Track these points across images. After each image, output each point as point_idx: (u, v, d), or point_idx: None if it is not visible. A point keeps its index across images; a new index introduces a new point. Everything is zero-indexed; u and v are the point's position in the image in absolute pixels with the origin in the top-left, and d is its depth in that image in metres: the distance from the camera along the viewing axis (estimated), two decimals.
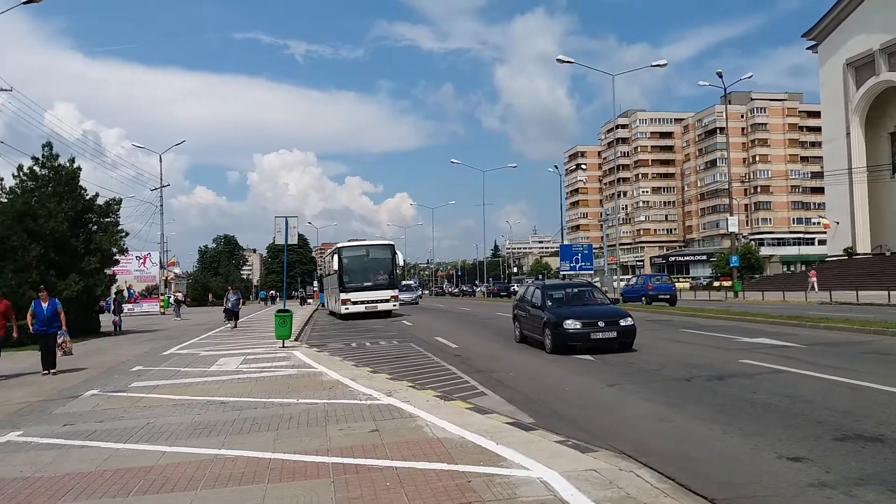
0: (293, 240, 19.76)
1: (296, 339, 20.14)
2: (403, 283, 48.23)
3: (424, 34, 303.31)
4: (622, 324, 14.23)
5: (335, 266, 31.46)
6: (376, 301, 31.23)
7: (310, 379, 11.68)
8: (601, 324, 14.08)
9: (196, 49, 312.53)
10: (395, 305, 32.41)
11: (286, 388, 10.68)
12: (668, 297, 34.66)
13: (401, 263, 34.93)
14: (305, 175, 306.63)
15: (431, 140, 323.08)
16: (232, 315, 27.07)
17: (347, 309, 30.75)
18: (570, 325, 14.01)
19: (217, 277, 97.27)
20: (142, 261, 53.58)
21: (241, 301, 28.40)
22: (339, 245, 33.59)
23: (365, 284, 31.26)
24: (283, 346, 17.37)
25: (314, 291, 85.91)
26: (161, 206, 51.93)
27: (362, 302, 30.91)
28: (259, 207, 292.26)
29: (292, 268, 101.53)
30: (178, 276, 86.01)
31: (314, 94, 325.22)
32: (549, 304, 15.32)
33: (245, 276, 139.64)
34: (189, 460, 6.50)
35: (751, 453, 6.41)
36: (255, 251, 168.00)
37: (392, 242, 34.98)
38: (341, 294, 31.12)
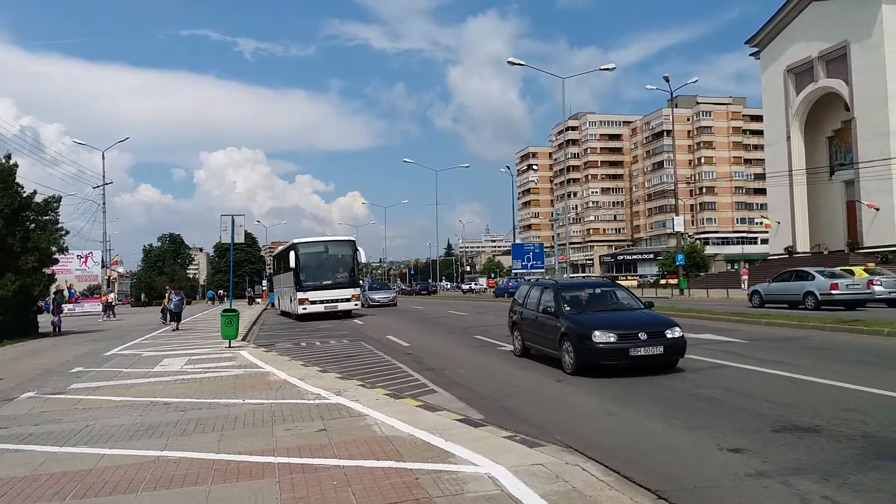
0: (240, 238, 19.42)
1: (243, 339, 19.80)
2: (374, 282, 45.83)
3: (377, 34, 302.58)
4: (669, 336, 10.66)
5: (291, 263, 29.26)
6: (336, 300, 29.36)
7: (257, 379, 11.49)
8: (642, 336, 10.49)
9: (142, 45, 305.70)
10: (356, 305, 30.60)
11: (232, 389, 10.48)
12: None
13: (363, 260, 32.54)
14: (254, 173, 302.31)
15: (384, 139, 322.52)
16: (174, 316, 25.77)
17: (305, 309, 28.78)
18: (601, 337, 10.41)
19: (162, 277, 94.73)
20: (83, 260, 51.99)
21: (184, 301, 27.11)
22: (296, 241, 31.07)
23: (324, 283, 29.39)
24: (230, 347, 17.05)
25: (263, 291, 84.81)
26: (104, 204, 50.28)
27: (321, 301, 29.01)
28: (206, 206, 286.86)
29: (240, 267, 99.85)
30: (121, 276, 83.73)
31: (264, 92, 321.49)
32: (567, 308, 11.79)
33: (192, 276, 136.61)
34: (130, 463, 6.31)
35: (693, 446, 6.56)
36: (201, 250, 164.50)
37: (353, 238, 32.72)
38: (298, 293, 29.04)
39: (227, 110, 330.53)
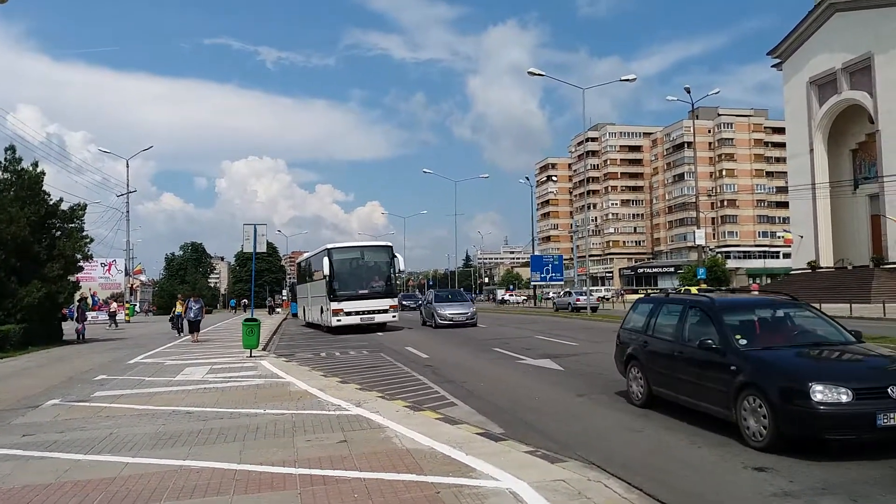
0: (262, 248, 19.56)
1: (263, 349, 19.90)
2: (442, 291, 38.02)
3: (397, 44, 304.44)
4: None
5: (325, 270, 26.39)
6: (373, 312, 26.68)
7: (277, 389, 11.54)
8: (894, 392, 6.44)
9: (165, 54, 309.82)
10: (394, 317, 27.64)
11: (253, 399, 10.53)
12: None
13: (402, 268, 29.22)
14: (275, 182, 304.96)
15: (403, 149, 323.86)
16: (193, 326, 24.27)
17: (340, 321, 26.11)
18: (827, 394, 6.43)
19: (184, 285, 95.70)
20: (107, 268, 52.73)
21: (203, 310, 25.67)
22: (329, 246, 28.12)
23: (360, 292, 26.69)
24: (251, 356, 17.14)
25: (283, 300, 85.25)
26: (127, 212, 50.97)
27: (357, 312, 26.32)
28: (227, 215, 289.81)
29: (261, 276, 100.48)
30: (143, 284, 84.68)
31: (285, 101, 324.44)
32: (742, 342, 7.63)
33: (213, 285, 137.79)
34: (152, 472, 6.36)
35: (717, 464, 6.49)
36: (222, 259, 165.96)
37: (390, 244, 29.85)
38: (332, 303, 26.28)
39: (249, 119, 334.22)
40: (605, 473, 5.97)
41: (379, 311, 26.90)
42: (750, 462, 6.41)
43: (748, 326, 8.13)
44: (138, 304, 70.83)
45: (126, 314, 48.83)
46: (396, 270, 28.37)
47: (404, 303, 47.06)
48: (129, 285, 56.12)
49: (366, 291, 26.92)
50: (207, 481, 5.97)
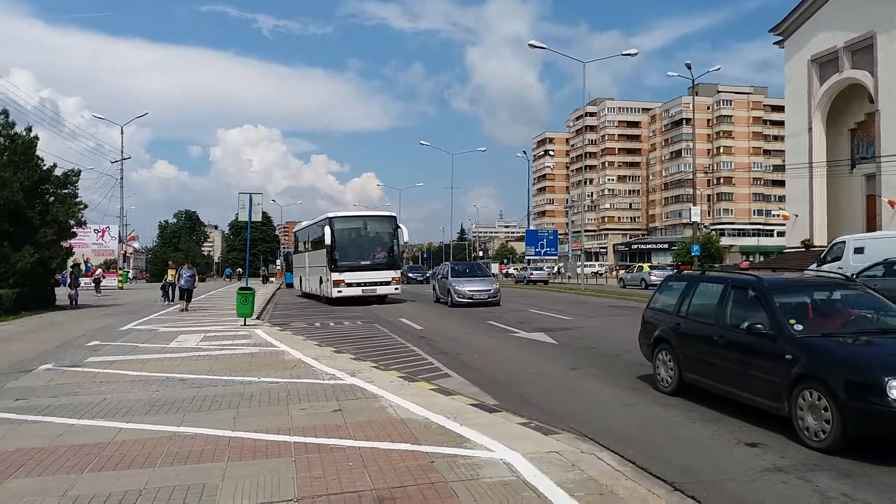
0: (257, 217, 19.46)
1: (258, 318, 19.91)
2: (457, 263, 33.52)
3: (395, 13, 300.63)
4: None
5: (327, 239, 25.59)
6: (375, 283, 25.97)
7: (272, 357, 11.55)
8: None
9: (161, 20, 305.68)
10: (396, 290, 26.83)
11: (247, 367, 10.54)
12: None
13: (405, 239, 28.42)
14: (270, 152, 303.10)
15: (401, 121, 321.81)
16: (184, 294, 23.33)
17: (340, 292, 25.53)
18: None
19: (178, 253, 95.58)
20: (100, 234, 52.53)
21: (196, 278, 24.66)
22: (331, 215, 27.16)
23: (362, 263, 26.02)
24: (245, 325, 17.15)
25: (277, 270, 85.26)
26: (121, 178, 50.64)
27: (358, 284, 25.66)
28: (222, 183, 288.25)
29: (255, 245, 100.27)
30: (136, 251, 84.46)
31: (282, 70, 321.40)
32: (795, 325, 6.77)
33: (206, 253, 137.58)
34: (146, 437, 6.37)
35: (710, 439, 6.52)
36: (216, 228, 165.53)
37: (394, 214, 28.53)
38: (332, 274, 25.62)
39: (246, 88, 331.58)
40: (598, 446, 6.01)
41: (381, 283, 26.16)
42: (743, 437, 6.44)
43: (801, 309, 7.29)
44: (131, 271, 70.77)
45: (119, 281, 48.74)
46: (400, 242, 27.58)
47: (410, 275, 47.16)
48: (123, 252, 55.98)
49: (368, 262, 26.23)
50: (202, 447, 5.98)
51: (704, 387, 7.85)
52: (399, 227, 27.15)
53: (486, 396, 8.47)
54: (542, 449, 5.74)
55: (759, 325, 6.86)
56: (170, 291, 27.15)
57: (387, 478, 5.05)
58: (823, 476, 5.31)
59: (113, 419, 7.14)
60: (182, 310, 22.41)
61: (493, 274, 34.49)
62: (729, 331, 7.47)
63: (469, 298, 24.46)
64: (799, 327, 6.73)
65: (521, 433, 6.34)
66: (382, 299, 26.84)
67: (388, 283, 26.35)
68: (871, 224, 41.59)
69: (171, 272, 27.75)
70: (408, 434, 6.27)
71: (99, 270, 44.00)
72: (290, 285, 43.98)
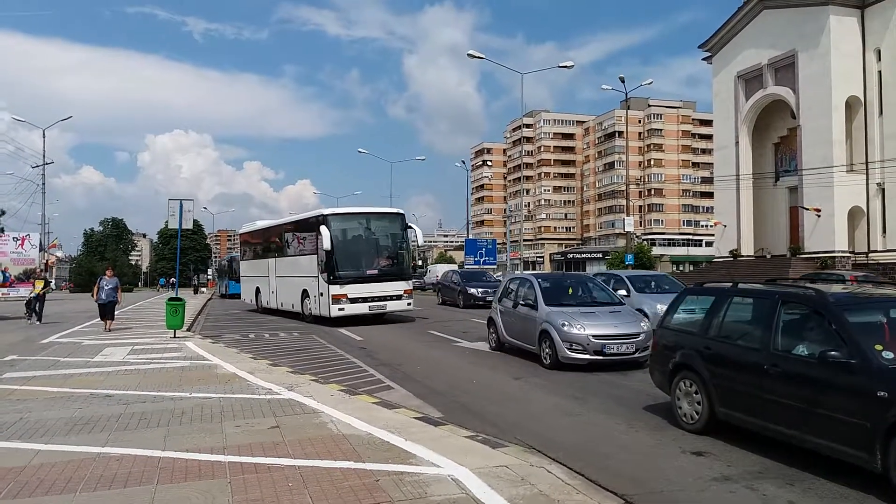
0: (188, 224, 18.70)
1: (188, 330, 19.16)
2: (576, 278, 18.06)
3: (330, 19, 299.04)
4: None
5: (324, 243, 19.97)
6: (384, 298, 20.78)
7: (204, 371, 11.05)
8: None
9: (86, 21, 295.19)
10: (409, 304, 21.49)
11: (178, 381, 10.04)
12: None
13: (420, 242, 23.64)
14: (201, 158, 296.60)
15: (337, 128, 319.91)
16: (105, 311, 18.89)
17: (342, 310, 20.09)
18: None
19: (103, 262, 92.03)
20: (20, 242, 49.93)
21: (119, 290, 19.57)
22: (326, 212, 21.36)
23: (368, 273, 20.75)
24: (175, 337, 16.46)
25: (209, 280, 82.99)
26: (43, 184, 48.42)
27: (364, 299, 20.39)
28: (150, 190, 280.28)
29: (186, 254, 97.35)
30: (60, 260, 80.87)
31: (214, 75, 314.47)
32: (883, 353, 5.34)
33: (134, 262, 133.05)
34: (67, 460, 5.91)
35: (656, 447, 6.50)
36: (144, 236, 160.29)
37: (401, 211, 23.03)
38: (332, 287, 20.11)
39: (176, 92, 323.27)
40: (547, 458, 5.90)
41: (391, 298, 20.99)
42: (688, 447, 6.45)
43: (878, 332, 5.79)
44: (54, 282, 67.64)
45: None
46: (411, 245, 22.61)
47: (471, 290, 40.85)
48: (45, 261, 53.40)
49: (375, 272, 21.00)
50: (129, 470, 5.58)
51: (747, 425, 6.43)
52: (410, 227, 22.37)
53: (431, 409, 8.28)
54: (490, 463, 5.59)
55: (834, 353, 5.43)
56: (36, 307, 22.27)
57: (329, 498, 4.79)
58: (769, 485, 5.33)
59: (30, 440, 6.62)
60: (106, 330, 18.58)
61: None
62: (783, 358, 6.02)
63: (603, 355, 11.14)
64: (889, 355, 5.28)
65: (468, 447, 6.17)
66: (381, 317, 21.81)
67: (398, 298, 21.16)
68: (794, 234, 43.40)
69: (38, 283, 23.25)
70: (350, 451, 6.01)
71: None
72: (232, 296, 39.10)
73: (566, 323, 11.27)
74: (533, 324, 12.11)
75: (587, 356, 10.99)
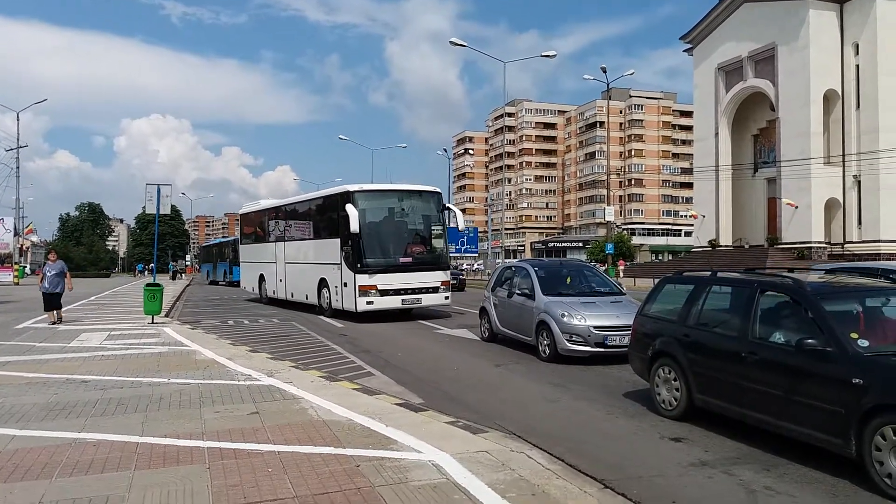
0: (166, 209, 18.45)
1: (166, 316, 19.00)
2: (569, 265, 16.01)
3: (311, 5, 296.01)
4: None
5: (353, 225, 16.94)
6: (419, 290, 17.85)
7: (182, 357, 10.96)
8: None
9: (62, 3, 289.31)
10: (446, 298, 18.67)
11: (156, 367, 9.95)
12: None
13: (461, 225, 21.46)
14: (179, 143, 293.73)
15: (317, 115, 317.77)
16: (50, 301, 16.40)
17: (371, 303, 17.25)
18: None
19: (80, 247, 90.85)
20: None
21: (67, 276, 16.86)
22: (352, 188, 18.14)
23: (401, 261, 17.87)
24: (153, 323, 16.31)
25: (187, 266, 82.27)
26: (17, 168, 47.55)
27: (397, 291, 17.49)
28: (127, 175, 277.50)
29: (163, 240, 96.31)
30: (35, 245, 79.75)
31: (193, 60, 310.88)
32: (859, 341, 5.46)
33: (111, 248, 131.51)
34: (43, 445, 5.82)
35: (635, 434, 6.56)
36: (122, 221, 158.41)
37: (438, 189, 19.66)
38: (359, 276, 17.25)
39: (153, 76, 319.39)
40: (527, 444, 5.92)
41: (426, 290, 18.07)
42: (666, 433, 6.51)
43: (853, 321, 5.94)
44: (29, 266, 66.68)
45: (15, 276, 45.75)
46: (447, 228, 19.92)
47: None
48: (19, 246, 52.59)
49: (408, 260, 18.09)
50: (106, 455, 5.52)
51: (724, 412, 6.46)
52: (449, 209, 19.42)
53: (412, 395, 8.28)
54: (470, 448, 5.60)
55: (812, 341, 5.48)
56: None
57: (309, 484, 4.77)
58: (746, 470, 5.39)
59: (5, 426, 6.52)
60: (52, 323, 16.18)
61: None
62: (761, 346, 6.06)
63: (605, 347, 10.52)
64: (864, 343, 5.41)
65: (449, 432, 6.18)
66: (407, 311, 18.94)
67: (435, 290, 18.27)
68: (772, 225, 43.95)
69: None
70: (331, 436, 6.00)
71: None
72: (214, 283, 38.15)
73: (566, 313, 10.71)
74: (529, 314, 11.54)
75: (588, 348, 10.44)
